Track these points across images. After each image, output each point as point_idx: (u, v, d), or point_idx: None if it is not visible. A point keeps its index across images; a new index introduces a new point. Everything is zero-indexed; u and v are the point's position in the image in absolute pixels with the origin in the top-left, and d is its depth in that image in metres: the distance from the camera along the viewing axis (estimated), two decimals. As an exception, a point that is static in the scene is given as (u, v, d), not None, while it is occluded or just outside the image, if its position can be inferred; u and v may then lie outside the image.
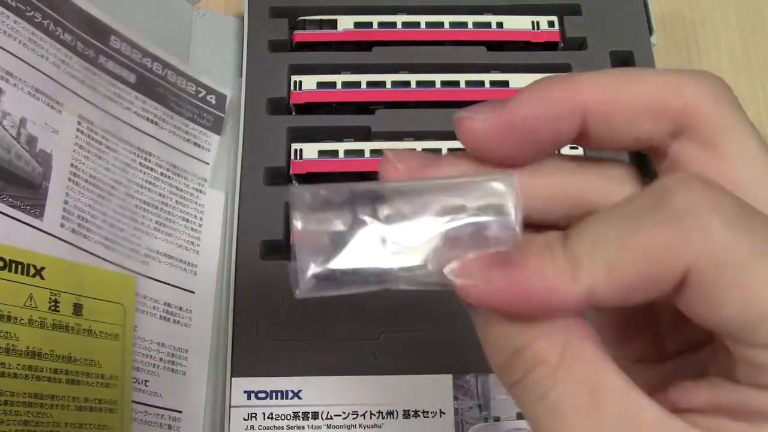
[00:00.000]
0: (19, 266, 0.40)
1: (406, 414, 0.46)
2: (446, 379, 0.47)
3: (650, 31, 0.56)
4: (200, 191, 0.53)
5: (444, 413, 0.46)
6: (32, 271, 0.41)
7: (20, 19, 0.45)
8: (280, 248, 0.50)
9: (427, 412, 0.46)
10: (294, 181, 0.52)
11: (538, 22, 0.56)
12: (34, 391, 0.39)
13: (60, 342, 0.41)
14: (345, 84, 0.54)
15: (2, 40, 0.43)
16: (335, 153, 0.52)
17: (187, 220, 0.51)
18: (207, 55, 0.57)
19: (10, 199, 0.41)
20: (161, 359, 0.47)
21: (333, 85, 0.54)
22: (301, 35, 0.56)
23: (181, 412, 0.47)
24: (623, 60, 0.56)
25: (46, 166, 0.44)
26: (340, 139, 0.53)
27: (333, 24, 0.56)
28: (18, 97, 0.43)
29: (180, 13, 0.57)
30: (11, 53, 0.44)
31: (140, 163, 0.50)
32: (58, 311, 0.41)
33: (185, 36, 0.56)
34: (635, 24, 0.56)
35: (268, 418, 0.46)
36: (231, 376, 0.47)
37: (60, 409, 0.40)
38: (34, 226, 0.42)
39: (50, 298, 0.41)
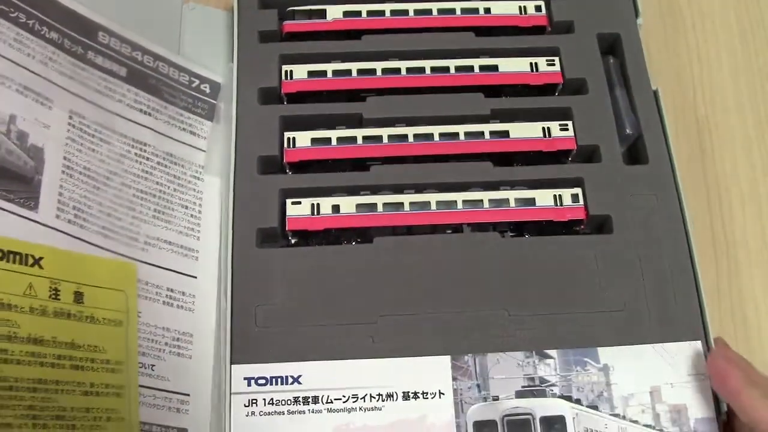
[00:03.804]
0: (17, 256, 0.42)
1: (406, 396, 0.47)
2: (444, 361, 0.48)
3: (636, 13, 0.57)
4: (198, 178, 0.54)
5: (443, 394, 0.47)
6: (30, 260, 0.42)
7: (4, 20, 0.47)
8: (275, 236, 0.51)
9: (427, 393, 0.47)
10: (288, 170, 0.53)
11: (525, 7, 0.58)
12: (37, 376, 0.41)
13: (62, 329, 0.42)
14: (336, 72, 0.55)
15: None
16: (328, 140, 0.53)
17: (186, 207, 0.53)
18: (197, 48, 0.58)
19: (3, 193, 0.43)
20: (166, 343, 0.49)
21: (324, 73, 0.55)
22: (291, 25, 0.57)
23: (188, 395, 0.49)
24: (610, 42, 0.57)
25: (38, 160, 0.46)
26: (332, 127, 0.54)
27: (322, 14, 0.57)
28: (5, 96, 0.45)
29: (169, 8, 0.59)
30: None
31: (136, 154, 0.52)
32: (59, 299, 0.42)
33: (175, 30, 0.58)
34: (622, 6, 0.58)
35: (268, 403, 0.47)
36: (230, 363, 0.47)
37: (65, 394, 0.42)
38: (28, 218, 0.44)
39: (50, 287, 0.42)
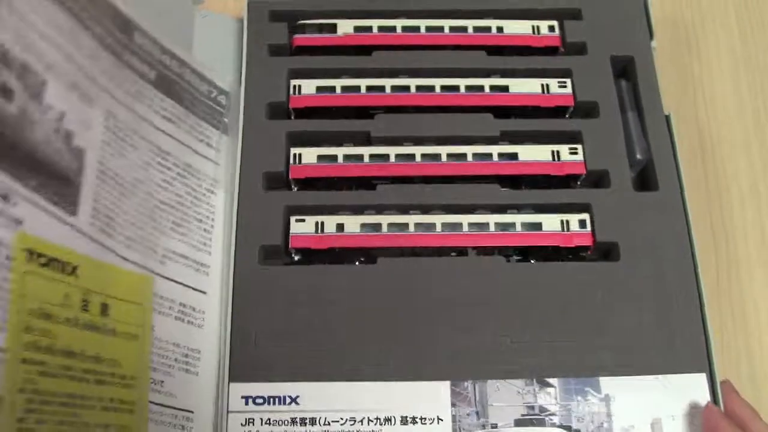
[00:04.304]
0: (58, 264, 0.40)
1: (404, 420, 0.47)
2: (444, 386, 0.48)
3: (651, 35, 0.56)
4: (212, 192, 0.54)
5: (441, 420, 0.47)
6: (68, 269, 0.41)
7: (59, 10, 0.44)
8: (279, 253, 0.51)
9: (425, 418, 0.47)
10: (293, 186, 0.52)
11: (538, 27, 0.57)
12: (68, 391, 0.40)
13: (89, 342, 0.42)
14: (344, 88, 0.55)
15: (45, 30, 0.42)
16: (334, 158, 0.53)
17: (200, 221, 0.52)
18: (208, 56, 0.57)
19: (52, 195, 0.41)
20: (176, 359, 0.48)
21: (332, 89, 0.55)
22: (301, 39, 0.57)
23: (192, 412, 0.48)
24: (623, 65, 0.56)
25: (79, 162, 0.44)
26: (339, 144, 0.53)
27: (333, 28, 0.57)
28: (58, 91, 0.43)
29: (183, 14, 0.58)
30: (52, 44, 0.43)
31: (159, 162, 0.51)
32: (88, 311, 0.42)
33: (188, 36, 0.57)
34: (636, 28, 0.57)
35: (265, 423, 0.47)
36: (229, 381, 0.47)
37: (89, 409, 0.41)
38: (69, 224, 0.42)
39: (82, 298, 0.41)
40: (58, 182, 0.41)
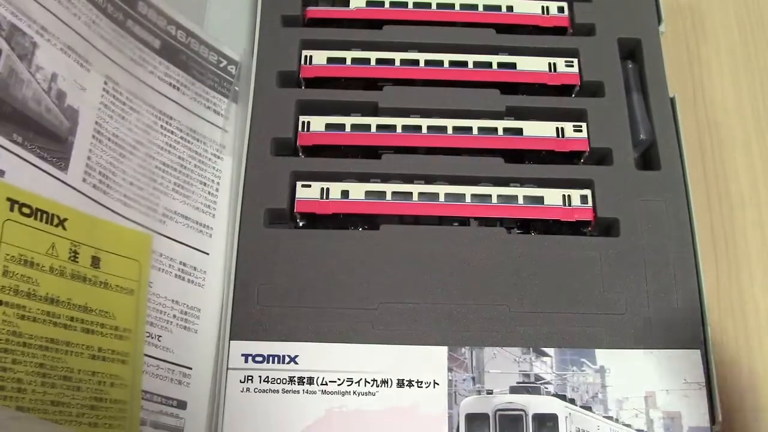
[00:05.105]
0: (44, 215, 0.42)
1: (401, 383, 0.48)
2: (441, 351, 0.48)
3: (659, 19, 0.57)
4: (218, 157, 0.55)
5: (438, 384, 0.48)
6: (56, 221, 0.43)
7: None
8: (284, 217, 0.52)
9: (421, 382, 0.48)
10: (300, 153, 0.53)
11: (547, 7, 0.58)
12: (50, 336, 0.41)
13: (77, 291, 0.43)
14: (354, 60, 0.56)
15: None
16: (342, 127, 0.54)
17: (205, 184, 0.54)
18: (222, 25, 0.59)
19: (38, 150, 0.43)
20: (174, 316, 0.49)
21: (343, 60, 0.56)
22: (314, 11, 0.58)
23: (191, 368, 0.49)
24: (630, 47, 0.57)
25: (72, 121, 0.46)
26: (347, 114, 0.54)
27: (345, 1, 0.58)
28: (51, 53, 0.45)
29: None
30: (47, 9, 0.46)
31: (161, 126, 0.52)
32: (77, 262, 0.43)
33: (201, 7, 0.58)
34: (644, 12, 0.58)
35: (264, 381, 0.48)
36: (229, 339, 0.48)
37: (74, 356, 0.42)
38: (58, 178, 0.44)
39: (70, 249, 0.43)
40: (47, 139, 0.44)
